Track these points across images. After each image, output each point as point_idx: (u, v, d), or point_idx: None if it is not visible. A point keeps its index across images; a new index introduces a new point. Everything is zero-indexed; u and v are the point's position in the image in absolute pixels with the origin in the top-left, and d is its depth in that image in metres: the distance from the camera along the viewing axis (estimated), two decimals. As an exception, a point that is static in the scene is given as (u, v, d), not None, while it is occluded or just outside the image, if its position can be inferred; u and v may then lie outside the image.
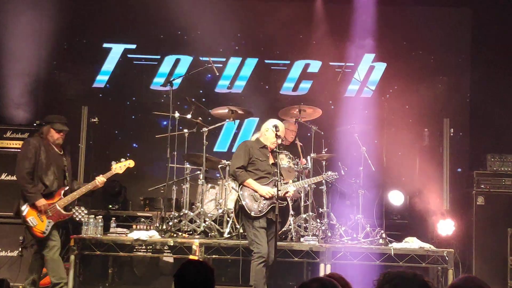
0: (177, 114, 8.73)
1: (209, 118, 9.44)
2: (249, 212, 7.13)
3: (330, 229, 8.64)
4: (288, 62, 11.23)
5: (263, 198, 7.17)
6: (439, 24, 10.95)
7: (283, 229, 8.11)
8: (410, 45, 11.07)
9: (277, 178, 7.14)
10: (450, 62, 11.07)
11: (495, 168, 9.38)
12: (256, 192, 7.20)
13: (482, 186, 9.28)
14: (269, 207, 7.17)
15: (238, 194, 7.29)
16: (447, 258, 7.98)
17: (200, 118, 9.01)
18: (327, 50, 10.98)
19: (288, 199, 7.61)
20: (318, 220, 8.64)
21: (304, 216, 8.49)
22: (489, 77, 10.25)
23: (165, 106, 9.15)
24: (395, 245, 8.25)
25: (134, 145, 11.06)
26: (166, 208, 8.72)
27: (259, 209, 7.15)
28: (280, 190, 7.05)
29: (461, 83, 11.06)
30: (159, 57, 11.16)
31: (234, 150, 10.69)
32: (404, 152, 10.95)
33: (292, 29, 10.72)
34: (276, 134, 7.29)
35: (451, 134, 9.62)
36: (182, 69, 10.99)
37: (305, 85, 11.24)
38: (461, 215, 9.56)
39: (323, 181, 8.36)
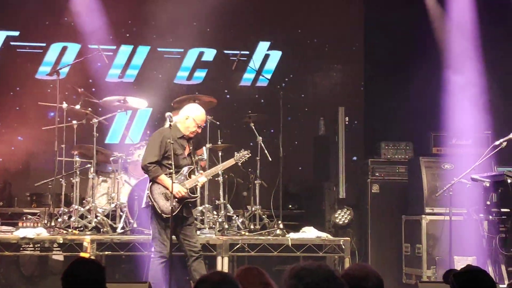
0: (65, 105, 8.46)
1: (100, 109, 9.22)
2: (160, 213, 6.77)
3: (227, 221, 8.64)
4: (182, 50, 11.12)
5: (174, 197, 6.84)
6: (332, 12, 11.15)
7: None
8: (304, 34, 11.22)
9: (190, 168, 6.87)
10: (345, 51, 11.31)
11: (389, 156, 9.65)
12: (168, 189, 6.78)
13: (377, 174, 9.52)
14: (181, 206, 6.81)
15: (148, 192, 6.90)
16: (343, 247, 8.14)
17: (89, 108, 8.77)
18: (222, 38, 10.97)
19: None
20: (214, 212, 8.62)
21: (200, 208, 8.44)
22: (382, 65, 10.54)
23: (52, 97, 8.83)
24: (292, 235, 8.35)
25: (19, 138, 10.66)
26: (55, 204, 8.45)
27: (171, 209, 6.69)
28: (193, 184, 6.83)
29: (355, 72, 11.32)
30: (44, 44, 10.78)
31: (126, 142, 10.53)
32: (301, 141, 11.13)
33: (186, 16, 10.61)
34: (197, 125, 6.89)
35: (346, 123, 9.82)
36: (69, 57, 10.64)
37: (200, 74, 11.17)
38: (357, 203, 9.80)
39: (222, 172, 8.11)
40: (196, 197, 7.07)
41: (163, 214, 6.74)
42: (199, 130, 7.01)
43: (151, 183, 6.86)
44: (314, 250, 8.17)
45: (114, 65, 10.85)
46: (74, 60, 10.26)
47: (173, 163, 6.68)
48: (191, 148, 7.05)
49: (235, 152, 7.52)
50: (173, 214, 6.66)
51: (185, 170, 6.91)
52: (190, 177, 6.93)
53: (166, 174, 6.80)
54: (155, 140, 6.90)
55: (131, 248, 7.77)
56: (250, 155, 7.58)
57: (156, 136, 6.92)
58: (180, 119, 6.98)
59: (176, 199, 6.72)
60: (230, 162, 7.49)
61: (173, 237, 6.84)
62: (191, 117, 6.90)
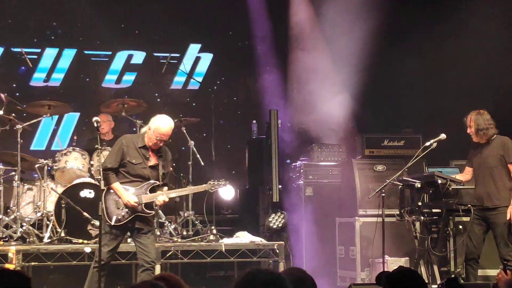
0: (-14, 111, 8.29)
1: (24, 114, 9.03)
2: (108, 220, 6.62)
3: (159, 228, 8.57)
4: (110, 53, 11.00)
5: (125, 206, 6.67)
6: (263, 15, 11.20)
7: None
8: (236, 36, 11.25)
9: (152, 183, 6.65)
10: (276, 53, 11.38)
11: (321, 159, 9.75)
12: (121, 198, 6.65)
13: (310, 176, 9.60)
14: (131, 217, 6.64)
15: (102, 196, 6.69)
16: (277, 251, 8.19)
17: (13, 114, 8.56)
18: (151, 40, 10.91)
19: (157, 208, 7.03)
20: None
21: (131, 215, 8.34)
22: (312, 67, 10.65)
23: (-27, 102, 8.64)
24: (226, 240, 8.35)
25: None
26: (-23, 214, 8.25)
27: (119, 218, 6.61)
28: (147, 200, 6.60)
29: (287, 74, 11.41)
30: (-36, 48, 10.52)
31: (53, 148, 10.36)
32: (234, 145, 11.15)
33: (114, 17, 10.51)
34: (156, 138, 6.59)
35: (279, 126, 9.88)
36: (-9, 61, 10.43)
37: (129, 77, 11.08)
38: (291, 206, 9.86)
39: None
40: (150, 213, 6.74)
41: (108, 220, 6.61)
42: (160, 144, 6.69)
43: (105, 190, 6.66)
44: (248, 255, 8.20)
45: (39, 68, 10.67)
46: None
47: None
48: (160, 161, 6.77)
49: (211, 180, 7.21)
50: (120, 223, 6.58)
51: (150, 183, 6.69)
52: (152, 192, 6.70)
53: (124, 182, 6.66)
54: (115, 146, 6.79)
55: (59, 258, 7.63)
56: (226, 184, 7.27)
57: (117, 143, 6.79)
58: (147, 128, 6.78)
59: (127, 209, 6.61)
60: (201, 188, 7.24)
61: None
62: (152, 128, 6.66)
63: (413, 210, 7.79)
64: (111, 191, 6.68)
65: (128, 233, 6.86)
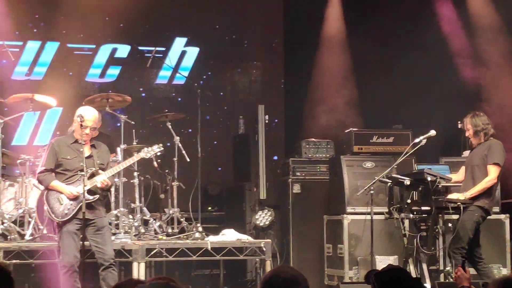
0: (-33, 105, 8.24)
1: (6, 109, 8.96)
2: (54, 218, 6.81)
3: (143, 225, 8.56)
4: (94, 46, 10.95)
5: (69, 199, 6.86)
6: (251, 8, 11.21)
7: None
8: (222, 29, 11.24)
9: (89, 172, 6.81)
10: (264, 47, 11.39)
11: (310, 155, 9.73)
12: (62, 193, 6.87)
13: (298, 173, 9.59)
14: (78, 207, 6.79)
15: (44, 199, 6.93)
16: (264, 249, 8.20)
17: (-6, 108, 8.54)
18: (136, 34, 10.86)
19: (101, 191, 7.12)
20: (130, 216, 8.53)
21: (115, 212, 8.33)
22: (302, 61, 10.66)
23: (-47, 96, 8.59)
24: (212, 238, 8.35)
25: None
26: (-43, 211, 8.19)
27: (65, 212, 6.80)
28: (86, 185, 6.76)
29: (275, 69, 11.43)
30: None
31: (35, 143, 10.31)
32: (220, 141, 11.15)
33: (97, 10, 10.46)
34: (81, 125, 6.85)
35: (266, 121, 9.88)
36: (-28, 54, 10.35)
37: (113, 71, 11.04)
38: (278, 204, 9.88)
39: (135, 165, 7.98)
40: (94, 198, 6.89)
41: (56, 218, 6.80)
42: (88, 132, 6.89)
43: (46, 191, 6.95)
44: (234, 253, 8.20)
45: (21, 62, 10.60)
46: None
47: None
48: (93, 151, 7.01)
49: (145, 147, 7.42)
50: (69, 217, 6.76)
51: (87, 171, 6.84)
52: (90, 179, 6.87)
53: (64, 180, 6.89)
54: (46, 150, 7.10)
55: (41, 256, 7.59)
56: (162, 149, 7.47)
57: (48, 146, 7.12)
58: (72, 127, 7.18)
59: (71, 202, 6.81)
60: (138, 157, 7.38)
61: (86, 243, 6.78)
62: (75, 119, 6.94)
63: (402, 208, 7.80)
64: (51, 191, 6.90)
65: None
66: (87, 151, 6.96)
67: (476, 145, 7.68)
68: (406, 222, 7.88)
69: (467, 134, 7.71)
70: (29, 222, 8.13)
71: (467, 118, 7.67)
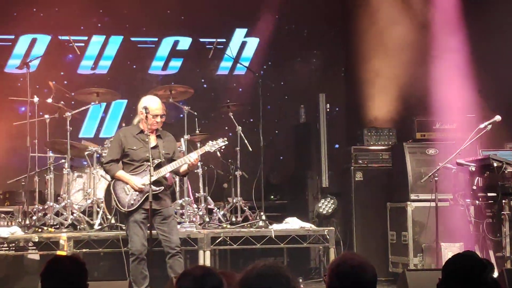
0: (36, 99, 8.43)
1: (73, 102, 9.17)
2: (120, 208, 6.94)
3: (207, 214, 8.65)
4: (156, 39, 11.07)
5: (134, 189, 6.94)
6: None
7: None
8: (282, 19, 11.20)
9: (155, 162, 6.84)
10: (324, 36, 11.31)
11: (371, 143, 9.67)
12: (128, 184, 6.96)
13: (360, 161, 9.54)
14: (143, 198, 6.88)
15: (112, 190, 7.04)
16: (328, 237, 8.19)
17: (62, 102, 8.71)
18: (197, 26, 10.93)
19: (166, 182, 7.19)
20: (195, 206, 8.62)
21: (180, 201, 8.44)
22: (362, 49, 10.54)
23: (22, 91, 8.80)
24: (276, 226, 8.38)
25: (-11, 134, 10.58)
26: (29, 201, 8.40)
27: (131, 203, 6.89)
28: (152, 176, 6.83)
29: (335, 57, 11.34)
30: (13, 37, 10.66)
31: (101, 135, 10.51)
32: (281, 130, 11.14)
33: (159, 3, 10.57)
34: (146, 116, 6.91)
35: (328, 110, 9.84)
36: (39, 49, 10.56)
37: (175, 64, 11.14)
38: (340, 192, 9.83)
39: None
40: (159, 190, 6.92)
41: (122, 208, 6.91)
42: (158, 120, 6.97)
43: (113, 181, 7.05)
44: (298, 241, 8.21)
45: (86, 56, 10.78)
46: (45, 52, 10.17)
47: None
48: (159, 141, 7.04)
49: (210, 141, 7.40)
50: (134, 207, 6.85)
51: (154, 162, 6.87)
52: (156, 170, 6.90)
53: (131, 170, 6.98)
54: (113, 140, 7.26)
55: (109, 245, 7.76)
56: (226, 142, 7.43)
57: (115, 136, 7.26)
58: (137, 118, 7.18)
59: (136, 193, 6.88)
60: (201, 151, 7.33)
61: (153, 232, 6.88)
62: (143, 112, 6.92)
63: (468, 194, 7.69)
64: (117, 181, 6.99)
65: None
66: (152, 141, 7.01)
67: None
68: (472, 208, 7.76)
69: None
70: (97, 212, 8.30)
71: None
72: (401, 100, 9.80)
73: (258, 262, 3.07)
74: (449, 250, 8.02)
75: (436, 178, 7.84)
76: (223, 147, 7.50)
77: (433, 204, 7.96)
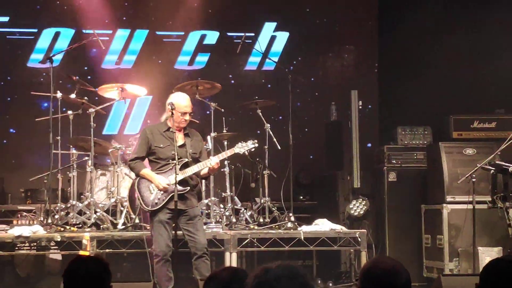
0: (59, 94, 8.43)
1: (96, 98, 9.16)
2: (144, 207, 6.92)
3: (234, 215, 8.61)
4: (182, 33, 11.05)
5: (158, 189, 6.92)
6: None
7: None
8: (313, 13, 11.13)
9: (181, 161, 6.83)
10: (357, 30, 11.23)
11: (406, 142, 9.59)
12: (152, 182, 6.94)
13: (393, 161, 9.46)
14: (168, 197, 6.86)
15: (136, 187, 7.05)
16: (359, 240, 8.10)
17: (85, 97, 8.72)
18: (225, 19, 10.91)
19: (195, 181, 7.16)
20: (221, 206, 8.60)
21: (206, 201, 8.41)
22: (397, 45, 10.45)
23: (45, 86, 8.83)
24: (305, 228, 8.30)
25: (11, 130, 10.67)
26: (51, 199, 8.41)
27: (155, 202, 6.86)
28: (178, 175, 6.81)
29: (368, 53, 11.25)
30: (36, 30, 10.73)
31: (126, 132, 10.53)
32: (311, 128, 11.08)
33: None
34: (172, 113, 6.89)
35: (360, 107, 9.76)
36: (63, 43, 10.61)
37: (202, 59, 11.12)
38: (373, 193, 9.76)
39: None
40: (185, 190, 6.89)
41: (145, 207, 6.89)
42: (186, 118, 6.95)
43: (138, 179, 7.03)
44: (328, 243, 8.13)
45: (111, 50, 10.81)
46: (68, 46, 10.22)
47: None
48: (187, 140, 7.02)
49: (239, 142, 7.31)
50: (158, 206, 6.83)
51: (181, 161, 6.87)
52: (182, 169, 6.89)
53: (157, 168, 6.95)
54: (139, 137, 7.21)
55: (133, 245, 7.73)
56: (257, 145, 7.35)
57: (141, 134, 7.20)
58: (165, 115, 7.15)
59: (161, 192, 6.86)
60: (230, 152, 7.28)
61: (179, 232, 6.87)
62: (172, 109, 6.90)
63: (507, 196, 7.60)
64: (142, 179, 6.97)
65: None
66: (180, 139, 6.98)
67: None
68: (511, 211, 7.67)
69: None
70: (121, 211, 8.30)
71: None
72: (438, 97, 9.70)
73: (269, 264, 3.01)
74: (486, 254, 7.94)
75: (473, 179, 7.75)
76: (253, 149, 7.41)
77: (470, 206, 7.89)
